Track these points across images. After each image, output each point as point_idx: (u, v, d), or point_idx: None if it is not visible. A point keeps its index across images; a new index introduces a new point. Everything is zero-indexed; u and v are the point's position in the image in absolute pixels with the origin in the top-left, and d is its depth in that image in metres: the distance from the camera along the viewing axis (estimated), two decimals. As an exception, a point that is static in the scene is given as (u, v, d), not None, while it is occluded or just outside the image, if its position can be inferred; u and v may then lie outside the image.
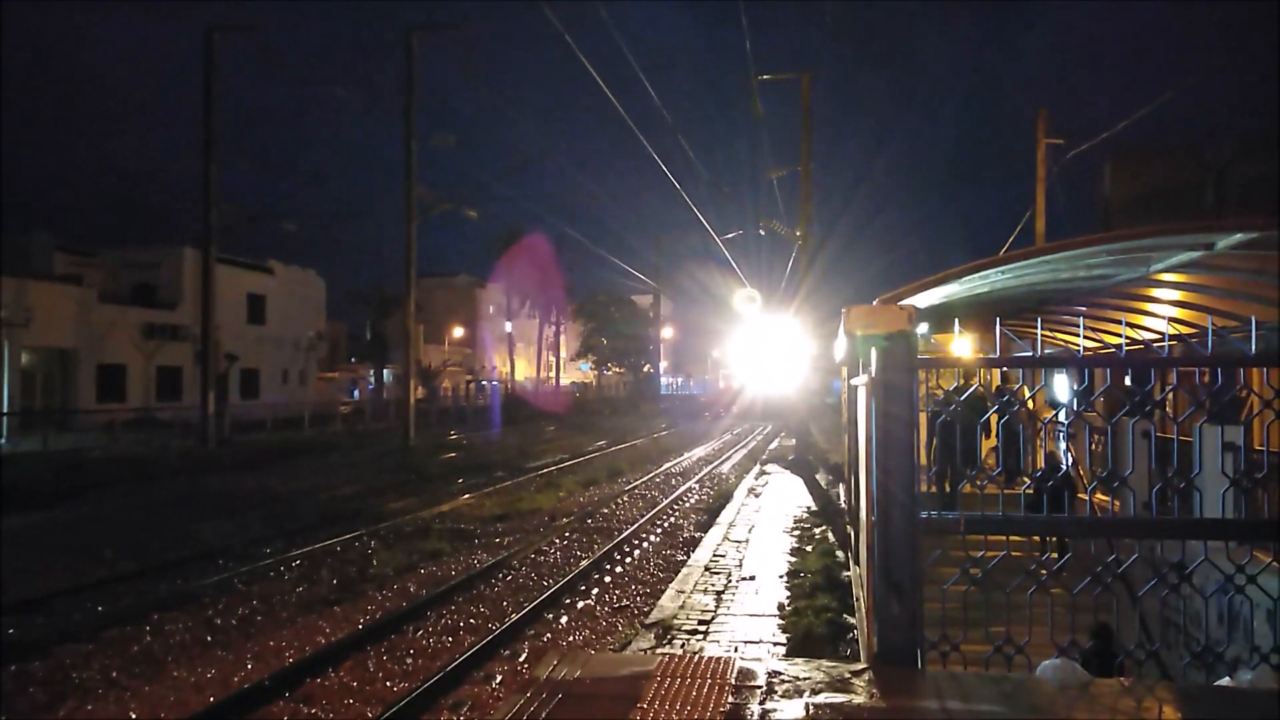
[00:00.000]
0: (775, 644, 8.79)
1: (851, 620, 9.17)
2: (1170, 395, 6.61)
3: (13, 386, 31.09)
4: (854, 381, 8.47)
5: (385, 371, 52.80)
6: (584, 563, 13.71)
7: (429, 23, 31.05)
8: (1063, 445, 11.29)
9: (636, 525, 17.11)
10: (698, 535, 16.11)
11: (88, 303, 35.43)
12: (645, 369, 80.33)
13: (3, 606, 10.74)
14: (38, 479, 21.00)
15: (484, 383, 69.75)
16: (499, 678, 8.79)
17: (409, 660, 9.26)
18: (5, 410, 29.64)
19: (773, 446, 36.26)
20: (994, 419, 10.17)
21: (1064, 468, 10.05)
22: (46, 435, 25.91)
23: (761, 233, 28.60)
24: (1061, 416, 9.97)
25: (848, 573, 10.78)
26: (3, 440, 27.15)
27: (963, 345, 12.31)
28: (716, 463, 30.13)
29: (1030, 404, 8.00)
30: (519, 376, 69.05)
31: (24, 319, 31.10)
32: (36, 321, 31.77)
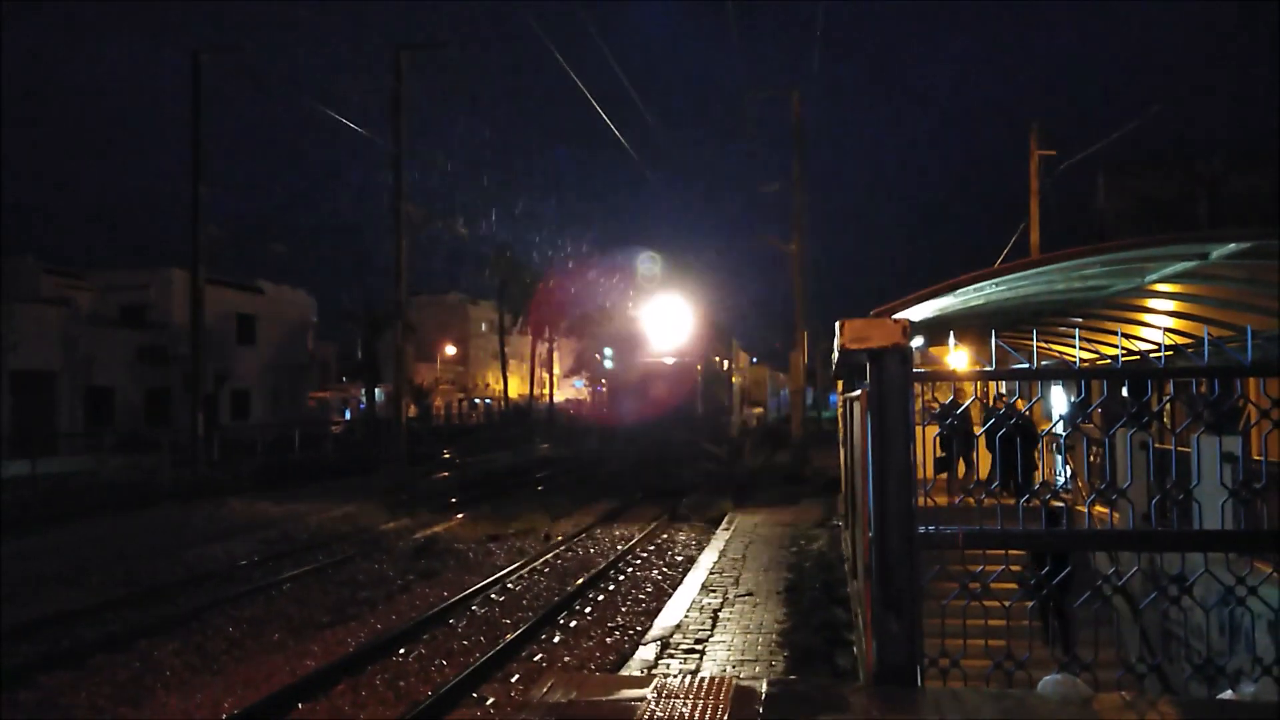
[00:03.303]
0: (773, 662, 8.70)
1: (851, 637, 9.09)
2: (1168, 406, 6.58)
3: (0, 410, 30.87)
4: (849, 396, 8.42)
5: (377, 390, 52.61)
6: (579, 581, 13.60)
7: (418, 42, 31.05)
8: (1059, 459, 11.27)
9: (631, 543, 17.02)
10: (694, 554, 16.03)
11: (76, 325, 35.26)
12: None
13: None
14: (26, 504, 20.79)
15: (477, 400, 69.55)
16: (491, 699, 8.68)
17: (401, 683, 9.14)
18: (-7, 434, 29.42)
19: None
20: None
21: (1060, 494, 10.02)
22: (34, 459, 25.70)
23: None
24: (1059, 429, 9.94)
25: (847, 589, 10.70)
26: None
27: (958, 358, 12.29)
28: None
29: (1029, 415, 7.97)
30: (512, 394, 68.82)
31: (12, 342, 30.92)
32: (24, 344, 31.59)
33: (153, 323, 40.16)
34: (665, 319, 26.08)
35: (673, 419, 24.98)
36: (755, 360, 43.17)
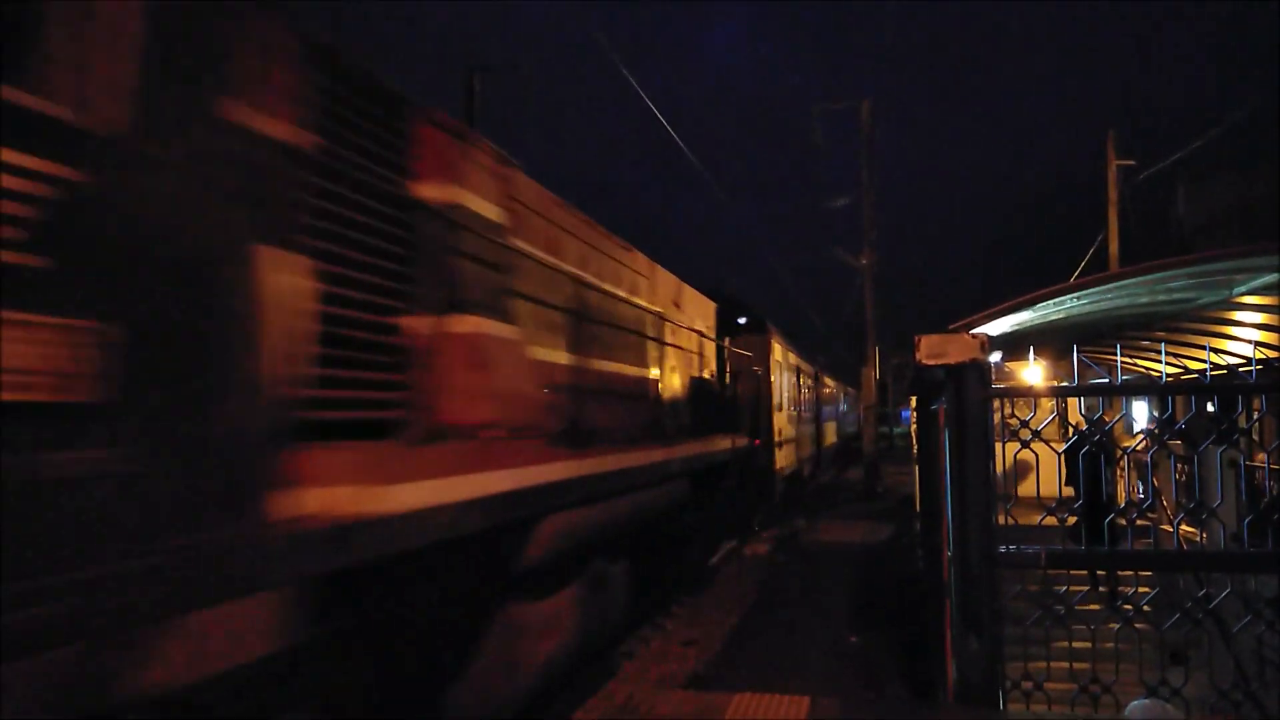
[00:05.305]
0: (849, 680, 8.60)
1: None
2: (1258, 422, 6.37)
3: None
4: (925, 411, 8.31)
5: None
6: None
7: (489, 64, 31.63)
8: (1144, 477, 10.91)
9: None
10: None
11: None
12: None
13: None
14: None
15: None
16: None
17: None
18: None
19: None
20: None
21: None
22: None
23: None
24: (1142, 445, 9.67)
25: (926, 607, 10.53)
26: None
27: (1033, 373, 12.01)
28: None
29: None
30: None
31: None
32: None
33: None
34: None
35: None
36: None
